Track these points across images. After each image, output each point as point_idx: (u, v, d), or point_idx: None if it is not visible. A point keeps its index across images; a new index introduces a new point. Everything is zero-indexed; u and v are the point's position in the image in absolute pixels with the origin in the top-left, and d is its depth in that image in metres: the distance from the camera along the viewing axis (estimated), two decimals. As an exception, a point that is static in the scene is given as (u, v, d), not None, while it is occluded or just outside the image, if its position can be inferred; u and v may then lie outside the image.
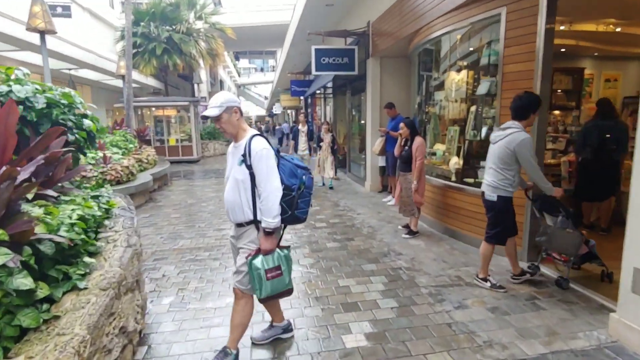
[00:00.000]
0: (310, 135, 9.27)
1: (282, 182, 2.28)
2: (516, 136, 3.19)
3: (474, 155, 5.16)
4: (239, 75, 56.51)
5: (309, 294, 3.47)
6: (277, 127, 30.43)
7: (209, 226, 5.87)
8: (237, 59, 54.68)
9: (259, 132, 2.37)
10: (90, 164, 6.96)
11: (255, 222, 2.33)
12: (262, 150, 2.25)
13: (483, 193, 3.49)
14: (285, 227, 2.55)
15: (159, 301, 3.39)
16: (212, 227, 5.84)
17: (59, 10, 16.67)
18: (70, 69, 17.94)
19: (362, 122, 10.02)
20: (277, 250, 2.39)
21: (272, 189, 2.23)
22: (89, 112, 3.50)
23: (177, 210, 7.03)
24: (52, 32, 6.97)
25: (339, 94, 12.21)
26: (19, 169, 1.99)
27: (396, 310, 3.11)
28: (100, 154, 7.41)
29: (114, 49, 18.13)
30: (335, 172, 8.72)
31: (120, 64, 12.77)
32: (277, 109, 30.23)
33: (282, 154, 2.45)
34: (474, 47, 5.09)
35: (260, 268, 2.28)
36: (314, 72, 8.15)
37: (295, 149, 9.12)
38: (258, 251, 2.33)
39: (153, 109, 15.95)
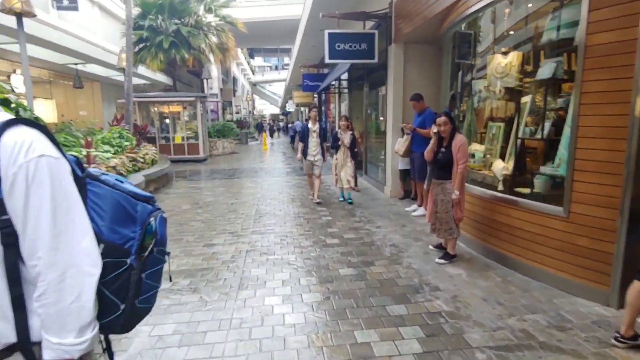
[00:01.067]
0: (323, 135, 7.19)
1: (99, 239, 0.97)
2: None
3: (531, 158, 4.04)
4: (253, 73, 55.82)
5: (314, 357, 2.44)
6: (289, 125, 29.52)
7: (198, 240, 4.90)
8: (251, 56, 54.07)
9: (24, 119, 0.89)
10: (70, 163, 6.07)
11: (26, 347, 0.91)
12: (35, 161, 0.85)
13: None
14: (108, 344, 1.11)
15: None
16: (202, 241, 4.87)
17: (65, 2, 16.05)
18: (76, 64, 17.40)
19: (381, 118, 8.94)
20: None
21: (68, 261, 0.89)
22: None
23: (168, 218, 6.08)
24: (30, 15, 6.11)
25: (355, 89, 11.14)
26: None
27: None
28: (85, 152, 6.53)
29: (121, 43, 17.45)
30: (356, 181, 6.87)
31: (121, 56, 12.01)
32: (290, 107, 29.26)
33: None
34: (530, 20, 3.97)
35: None
36: (327, 59, 7.10)
37: (305, 153, 6.87)
38: None
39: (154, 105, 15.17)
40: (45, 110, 19.76)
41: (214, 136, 17.69)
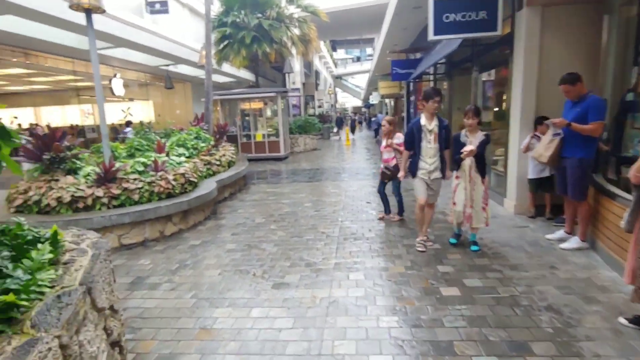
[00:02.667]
0: (446, 139, 4.20)
1: None
2: None
3: None
4: (336, 66, 54.98)
5: None
6: (372, 119, 27.95)
7: (268, 274, 3.83)
8: (333, 49, 53.21)
9: None
10: (137, 171, 5.49)
11: None
12: None
13: None
14: None
15: None
16: (272, 276, 3.79)
17: (157, 6, 16.58)
18: (167, 65, 18.03)
19: (497, 109, 7.07)
20: None
21: None
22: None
23: (237, 236, 5.16)
24: (99, 10, 5.63)
25: (458, 74, 9.27)
26: None
27: None
28: (154, 157, 5.94)
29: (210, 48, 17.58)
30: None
31: (202, 53, 11.74)
32: (374, 99, 27.62)
33: None
34: None
35: None
36: (431, 36, 5.53)
37: (414, 168, 4.31)
38: None
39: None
40: (142, 110, 21.11)
41: (295, 132, 16.99)
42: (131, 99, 20.49)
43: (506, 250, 4.17)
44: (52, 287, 1.91)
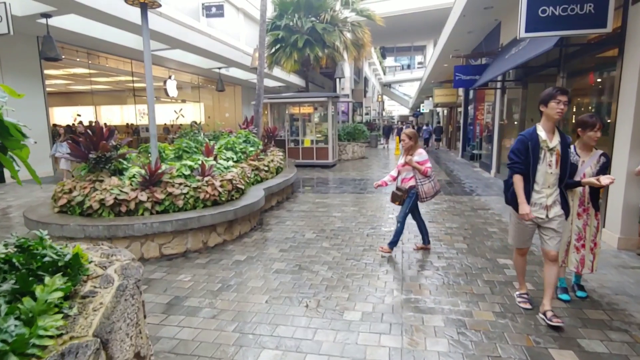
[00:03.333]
0: (519, 158, 2.98)
1: None
2: None
3: None
4: (384, 74, 54.00)
5: None
6: (424, 127, 26.79)
7: (324, 308, 3.21)
8: (383, 56, 52.30)
9: None
10: (183, 175, 5.12)
11: None
12: None
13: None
14: None
15: None
16: (328, 310, 3.17)
17: (213, 10, 16.76)
18: (219, 68, 18.20)
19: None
20: None
21: None
22: None
23: (285, 253, 4.61)
24: (156, 5, 5.37)
25: (534, 81, 8.25)
26: None
27: None
28: (201, 160, 5.57)
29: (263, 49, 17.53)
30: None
31: (254, 55, 11.52)
32: (426, 107, 26.43)
33: None
34: None
35: None
36: (522, 34, 4.71)
37: (516, 204, 3.00)
38: None
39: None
40: (193, 112, 21.51)
41: (344, 139, 16.41)
42: (183, 101, 20.96)
43: (624, 301, 3.27)
44: (58, 336, 1.42)
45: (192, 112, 20.99)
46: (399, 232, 4.45)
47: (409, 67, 61.90)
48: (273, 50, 16.56)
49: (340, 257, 4.42)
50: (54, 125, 8.72)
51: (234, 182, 5.47)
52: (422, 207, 6.73)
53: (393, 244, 4.47)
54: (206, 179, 5.18)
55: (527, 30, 4.64)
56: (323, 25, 15.60)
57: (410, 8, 20.69)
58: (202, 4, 16.38)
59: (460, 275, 3.86)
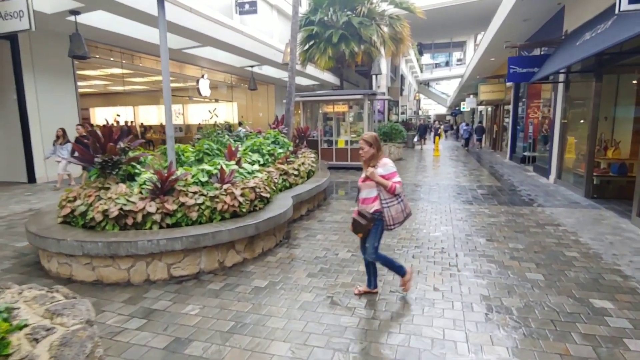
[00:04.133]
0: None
1: None
2: None
3: None
4: (421, 71, 52.12)
5: None
6: (463, 127, 25.12)
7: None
8: (420, 53, 50.46)
9: None
10: (199, 182, 4.46)
11: None
12: None
13: None
14: None
15: None
16: (371, 375, 2.36)
17: (246, 7, 16.30)
18: (252, 66, 17.75)
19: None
20: None
21: None
22: None
23: (315, 279, 3.82)
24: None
25: (610, 72, 7.01)
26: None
27: None
28: (221, 165, 4.90)
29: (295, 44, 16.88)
30: None
31: (286, 50, 10.86)
32: (468, 105, 24.82)
33: None
34: None
35: None
36: (625, 6, 3.66)
37: None
38: None
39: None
40: (227, 111, 21.25)
41: (380, 139, 15.42)
42: (216, 100, 20.74)
43: None
44: None
45: (225, 112, 20.74)
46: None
47: (447, 64, 59.58)
48: (307, 46, 15.87)
49: (382, 287, 3.59)
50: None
51: (257, 189, 4.76)
52: (475, 221, 5.74)
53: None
54: (225, 186, 4.50)
55: (632, 1, 3.59)
56: (359, 19, 14.72)
57: (452, 0, 19.37)
58: (235, 1, 15.96)
59: (544, 323, 2.91)
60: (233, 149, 5.61)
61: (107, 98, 21.43)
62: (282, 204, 5.09)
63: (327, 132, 13.32)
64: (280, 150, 7.22)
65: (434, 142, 20.94)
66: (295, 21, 9.24)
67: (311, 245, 4.85)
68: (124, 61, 13.33)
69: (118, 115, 20.28)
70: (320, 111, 13.45)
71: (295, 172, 6.80)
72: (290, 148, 8.08)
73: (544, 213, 6.23)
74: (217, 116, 14.11)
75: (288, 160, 7.24)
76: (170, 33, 10.81)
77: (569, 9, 8.54)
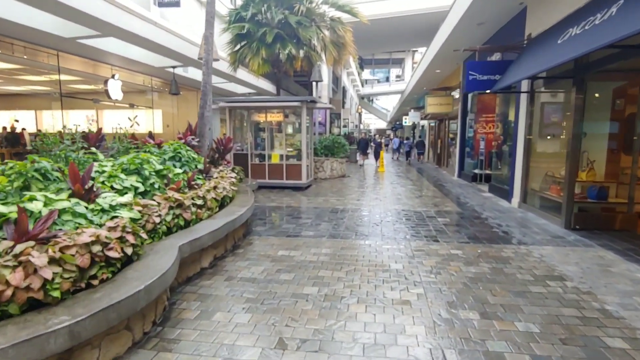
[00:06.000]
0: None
1: None
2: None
3: None
4: (362, 86, 52.26)
5: None
6: (405, 141, 24.54)
7: None
8: (361, 67, 50.57)
9: None
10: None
11: None
12: None
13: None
14: None
15: None
16: None
17: (166, -1, 13.94)
18: (174, 67, 15.27)
19: None
20: None
21: None
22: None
23: None
24: None
25: (598, 79, 5.88)
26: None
27: None
28: (47, 199, 2.69)
29: (222, 45, 14.74)
30: None
31: (202, 43, 8.75)
32: (412, 118, 24.19)
33: None
34: None
35: None
36: None
37: None
38: None
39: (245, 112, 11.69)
40: (149, 119, 18.32)
41: (321, 154, 13.73)
42: (132, 105, 17.78)
43: None
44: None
45: (147, 120, 17.83)
46: None
47: (387, 79, 60.67)
48: (237, 47, 13.82)
49: None
50: None
51: (95, 249, 2.62)
52: (451, 274, 4.01)
53: None
54: (20, 247, 2.32)
55: None
56: (297, 18, 13.02)
57: (399, 10, 18.55)
58: (155, -9, 13.52)
59: None
60: (77, 172, 3.39)
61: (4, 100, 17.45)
62: (156, 264, 2.98)
63: (259, 145, 11.32)
64: (179, 171, 5.07)
65: (377, 157, 19.78)
66: (211, 1, 7.21)
67: (201, 340, 2.79)
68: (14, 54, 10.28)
69: (16, 121, 16.55)
70: (251, 120, 11.43)
71: (199, 202, 4.71)
72: (200, 166, 5.97)
73: (531, 255, 4.75)
74: (137, 124, 11.47)
75: (192, 183, 5.13)
76: (56, 16, 8.31)
77: (532, 9, 7.50)
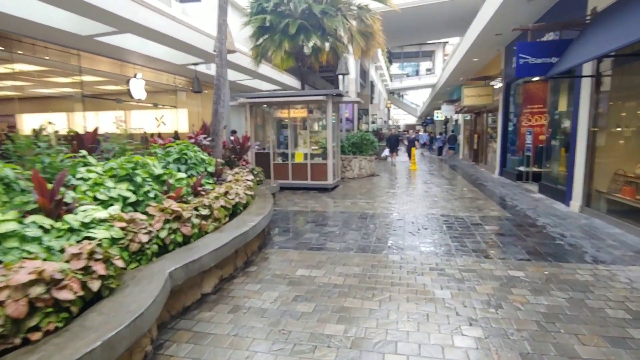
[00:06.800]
0: None
1: None
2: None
3: None
4: (391, 80, 50.70)
5: None
6: (438, 136, 23.11)
7: None
8: (390, 61, 49.03)
9: None
10: None
11: None
12: None
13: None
14: None
15: None
16: None
17: (189, -7, 13.45)
18: (196, 64, 14.84)
19: None
20: None
21: None
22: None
23: None
24: None
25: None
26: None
27: None
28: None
29: (244, 39, 14.14)
30: None
31: (217, 36, 8.11)
32: (445, 112, 22.80)
33: None
34: None
35: None
36: None
37: None
38: None
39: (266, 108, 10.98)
40: (175, 119, 18.07)
41: (349, 152, 12.87)
42: (155, 105, 17.56)
43: None
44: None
45: (172, 119, 17.59)
46: None
47: (417, 73, 58.66)
48: (260, 40, 13.17)
49: None
50: None
51: (35, 292, 1.93)
52: (516, 308, 3.06)
53: None
54: None
55: None
56: (322, 7, 12.20)
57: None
58: (178, -13, 13.05)
59: None
60: (43, 181, 2.74)
61: (42, 103, 17.69)
62: (130, 302, 2.27)
63: (282, 143, 10.62)
64: (183, 175, 4.40)
65: (409, 154, 18.64)
66: (224, -14, 6.52)
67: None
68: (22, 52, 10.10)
69: (49, 123, 16.72)
70: (273, 117, 10.74)
71: (205, 212, 4.00)
72: (210, 168, 5.28)
73: (616, 279, 3.73)
74: (164, 124, 11.04)
75: (198, 189, 4.44)
76: (73, 13, 7.94)
77: (598, -22, 6.31)
